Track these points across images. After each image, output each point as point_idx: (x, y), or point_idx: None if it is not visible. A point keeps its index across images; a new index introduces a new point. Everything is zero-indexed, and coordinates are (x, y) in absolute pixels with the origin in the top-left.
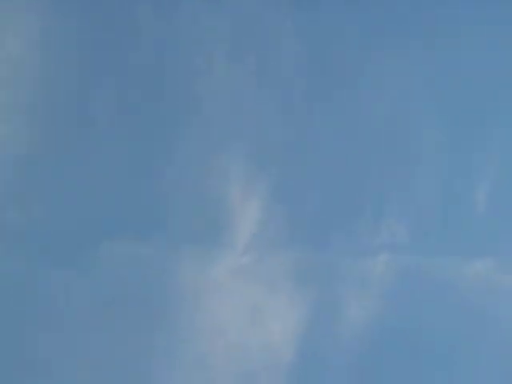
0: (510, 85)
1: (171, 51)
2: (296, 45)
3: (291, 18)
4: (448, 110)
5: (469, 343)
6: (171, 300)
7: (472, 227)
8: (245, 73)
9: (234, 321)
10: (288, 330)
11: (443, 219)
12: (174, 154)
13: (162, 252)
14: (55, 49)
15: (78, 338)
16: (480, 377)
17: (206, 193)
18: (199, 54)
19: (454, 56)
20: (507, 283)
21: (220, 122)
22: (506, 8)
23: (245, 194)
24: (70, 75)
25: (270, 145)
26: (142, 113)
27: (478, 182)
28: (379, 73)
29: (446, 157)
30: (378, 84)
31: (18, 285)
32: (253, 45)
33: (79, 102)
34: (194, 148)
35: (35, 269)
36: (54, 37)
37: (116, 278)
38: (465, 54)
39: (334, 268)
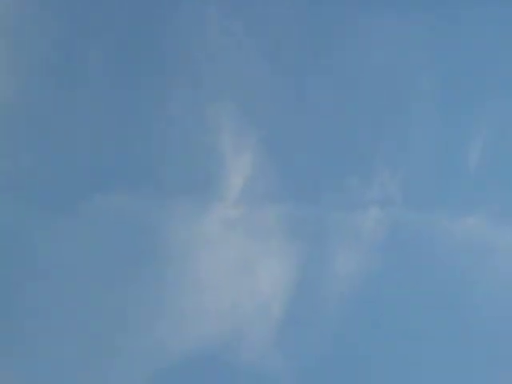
0: (508, 43)
1: (166, 7)
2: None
3: None
4: (443, 64)
5: (459, 298)
6: (161, 252)
7: (464, 182)
8: (237, 29)
9: (223, 274)
10: (278, 284)
11: (435, 174)
12: (166, 106)
13: (152, 204)
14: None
15: (67, 287)
16: (470, 330)
17: (197, 146)
18: (191, 7)
19: (452, 12)
20: (498, 238)
21: (212, 75)
22: None
23: (236, 148)
24: (62, 26)
25: (262, 99)
26: (135, 65)
27: (470, 137)
28: (373, 29)
29: (438, 112)
30: (372, 40)
31: (7, 234)
32: (245, 3)
33: (72, 52)
34: (186, 101)
35: (24, 219)
36: None
37: (106, 229)
38: (463, 11)
39: (325, 222)
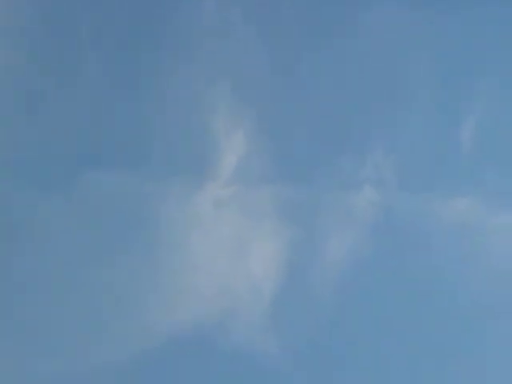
0: (500, 32)
1: None
2: None
3: None
4: (438, 51)
5: (452, 280)
6: (153, 231)
7: (457, 165)
8: (234, 12)
9: (215, 254)
10: (270, 265)
11: (428, 157)
12: (160, 86)
13: (147, 182)
14: None
15: (57, 264)
16: (462, 311)
17: (192, 126)
18: None
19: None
20: (491, 220)
21: (207, 56)
22: None
23: (231, 128)
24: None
25: (257, 80)
26: (132, 46)
27: (464, 120)
28: (369, 16)
29: (433, 95)
30: (369, 25)
31: (1, 209)
32: None
33: (73, 36)
34: (181, 82)
35: (20, 194)
36: None
37: (99, 207)
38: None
39: (318, 203)
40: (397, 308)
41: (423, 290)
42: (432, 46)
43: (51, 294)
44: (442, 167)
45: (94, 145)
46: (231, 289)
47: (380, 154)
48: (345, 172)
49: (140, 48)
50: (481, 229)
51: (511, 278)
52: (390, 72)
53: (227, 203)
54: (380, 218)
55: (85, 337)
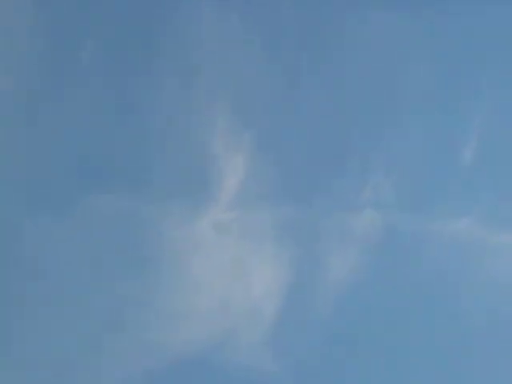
0: (500, 38)
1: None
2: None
3: None
4: (437, 64)
5: (452, 300)
6: (155, 253)
7: (458, 185)
8: (232, 25)
9: (217, 276)
10: (270, 286)
11: (429, 176)
12: (160, 106)
13: (146, 205)
14: None
15: (59, 287)
16: (464, 332)
17: (191, 147)
18: (187, 5)
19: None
20: (492, 240)
21: (207, 73)
22: None
23: (230, 149)
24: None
25: (257, 99)
26: (129, 62)
27: (464, 139)
28: (367, 27)
29: (432, 113)
30: (368, 37)
31: (1, 233)
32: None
33: (69, 48)
34: (179, 100)
35: (19, 216)
36: None
37: (98, 229)
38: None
39: (319, 224)
40: (399, 328)
41: (425, 310)
42: (433, 60)
43: (49, 316)
44: (442, 187)
45: (92, 167)
46: (232, 310)
47: (380, 175)
48: (345, 193)
49: (137, 66)
50: (482, 248)
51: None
52: (390, 91)
53: (227, 226)
54: (381, 239)
55: (84, 359)
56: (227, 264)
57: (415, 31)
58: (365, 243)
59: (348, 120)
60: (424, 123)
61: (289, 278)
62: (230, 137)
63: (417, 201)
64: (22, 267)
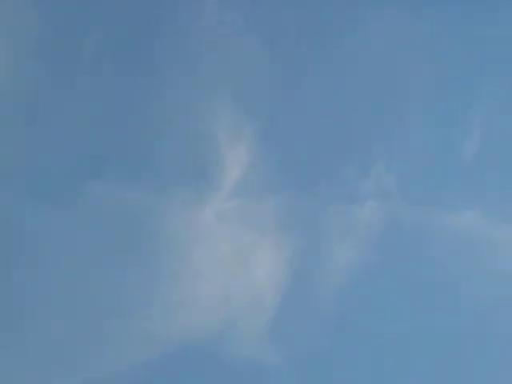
0: (502, 37)
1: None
2: None
3: None
4: (441, 59)
5: (455, 292)
6: (157, 241)
7: (460, 177)
8: (236, 19)
9: (218, 265)
10: (273, 276)
11: (431, 168)
12: (163, 96)
13: (149, 193)
14: None
15: (61, 273)
16: (465, 324)
17: (194, 136)
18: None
19: (444, 11)
20: (494, 232)
21: (210, 65)
22: None
23: (233, 139)
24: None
25: (259, 89)
26: (133, 54)
27: (467, 132)
28: (372, 22)
29: (435, 106)
30: (371, 33)
31: (3, 220)
32: None
33: (72, 44)
34: (183, 91)
35: (20, 205)
36: None
37: (102, 217)
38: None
39: (321, 214)
40: (400, 320)
41: (427, 302)
42: (435, 55)
43: (51, 305)
44: (445, 179)
45: (95, 156)
46: (233, 300)
47: (383, 166)
48: (348, 184)
49: (140, 59)
50: (484, 241)
51: None
52: (393, 83)
53: (230, 215)
54: (382, 230)
55: (84, 348)
56: (229, 253)
57: (417, 28)
58: (367, 234)
59: (351, 112)
60: (428, 116)
61: (291, 267)
62: (232, 126)
63: (419, 193)
64: (23, 256)
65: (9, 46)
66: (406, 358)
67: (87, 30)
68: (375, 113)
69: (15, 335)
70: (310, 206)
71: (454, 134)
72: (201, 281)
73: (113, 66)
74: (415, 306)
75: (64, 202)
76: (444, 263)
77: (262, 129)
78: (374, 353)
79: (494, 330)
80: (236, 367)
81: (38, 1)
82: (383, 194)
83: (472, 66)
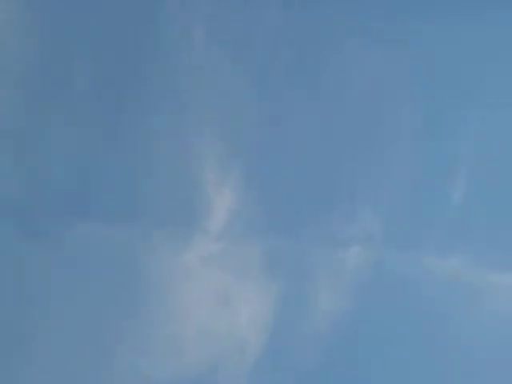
0: (487, 74)
1: (149, 27)
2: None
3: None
4: (426, 97)
5: (442, 338)
6: (142, 283)
7: (447, 222)
8: (223, 56)
9: (204, 307)
10: (257, 319)
11: (418, 213)
12: (150, 135)
13: (134, 235)
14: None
15: (43, 319)
16: (452, 370)
17: (180, 178)
18: (177, 32)
19: (431, 44)
20: (481, 278)
21: (197, 104)
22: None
23: (219, 181)
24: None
25: (246, 130)
26: (119, 89)
27: (453, 175)
28: (357, 59)
29: (421, 148)
30: (355, 71)
31: None
32: (231, 24)
33: (56, 74)
34: (169, 130)
35: (4, 245)
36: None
37: (87, 259)
38: (441, 43)
39: (307, 258)
40: (386, 365)
41: (412, 347)
42: (422, 93)
43: (31, 344)
44: (432, 225)
45: (80, 196)
46: (216, 343)
47: (368, 211)
48: (333, 228)
49: (126, 94)
50: (471, 287)
51: (502, 335)
52: (381, 124)
53: (215, 257)
54: (369, 275)
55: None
56: (214, 296)
57: (402, 66)
58: (352, 279)
59: (338, 154)
60: (413, 161)
61: (274, 311)
62: (218, 169)
63: (405, 238)
64: (5, 294)
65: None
66: None
67: (73, 67)
68: (362, 155)
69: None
70: (294, 249)
71: (440, 179)
72: (186, 323)
73: (99, 104)
74: (401, 351)
75: (49, 242)
76: (429, 308)
77: (248, 171)
78: None
79: (484, 376)
80: None
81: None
82: (369, 239)
83: (458, 106)
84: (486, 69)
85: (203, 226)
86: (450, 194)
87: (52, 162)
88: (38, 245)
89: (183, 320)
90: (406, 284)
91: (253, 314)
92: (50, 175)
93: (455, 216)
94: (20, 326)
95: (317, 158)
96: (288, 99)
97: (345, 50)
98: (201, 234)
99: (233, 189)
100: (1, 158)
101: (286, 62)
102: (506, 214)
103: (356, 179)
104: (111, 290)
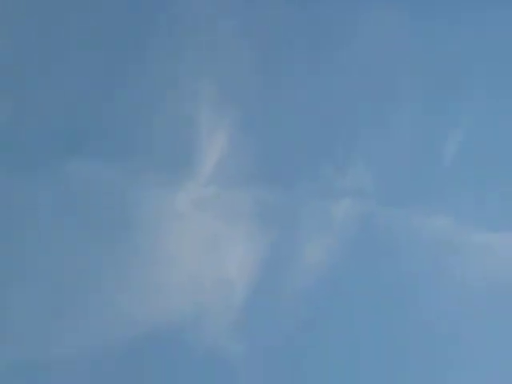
0: (492, 39)
1: None
2: None
3: None
4: (426, 62)
5: (423, 295)
6: (130, 225)
7: (438, 180)
8: (224, 10)
9: (191, 252)
10: (244, 266)
11: (410, 170)
12: (146, 78)
13: (124, 175)
14: None
15: (33, 253)
16: (435, 327)
17: (174, 121)
18: None
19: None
20: (468, 238)
21: (193, 50)
22: None
23: (214, 126)
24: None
25: (243, 79)
26: (116, 32)
27: (447, 135)
28: (362, 24)
29: (417, 108)
30: (358, 34)
31: None
32: None
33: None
34: (164, 74)
35: None
36: None
37: (76, 197)
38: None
39: (297, 209)
40: (368, 317)
41: (395, 302)
42: (422, 57)
43: (24, 282)
44: (423, 184)
45: (75, 135)
46: (203, 287)
47: (361, 166)
48: (326, 180)
49: (126, 39)
50: (457, 245)
51: (482, 296)
52: (380, 83)
53: (205, 202)
54: (357, 229)
55: (56, 325)
56: (202, 240)
57: (405, 30)
58: (342, 231)
59: (335, 109)
60: (410, 120)
61: (262, 258)
62: (213, 114)
63: (396, 193)
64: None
65: None
66: (372, 357)
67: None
68: (359, 112)
69: None
70: (286, 199)
71: (434, 138)
72: (172, 266)
73: (96, 46)
74: (384, 305)
75: (40, 179)
76: (416, 265)
77: (243, 118)
78: (342, 350)
79: (467, 336)
80: (204, 354)
81: None
82: (360, 193)
83: (459, 69)
84: (492, 33)
85: (195, 169)
86: (444, 154)
87: (46, 101)
88: (27, 179)
89: (170, 264)
90: (393, 240)
91: (240, 261)
92: (44, 113)
93: (447, 176)
94: (6, 261)
95: (314, 110)
96: (287, 54)
97: (348, 10)
98: (192, 178)
99: (227, 134)
100: None
101: (287, 19)
102: (496, 178)
103: (352, 134)
104: (99, 230)
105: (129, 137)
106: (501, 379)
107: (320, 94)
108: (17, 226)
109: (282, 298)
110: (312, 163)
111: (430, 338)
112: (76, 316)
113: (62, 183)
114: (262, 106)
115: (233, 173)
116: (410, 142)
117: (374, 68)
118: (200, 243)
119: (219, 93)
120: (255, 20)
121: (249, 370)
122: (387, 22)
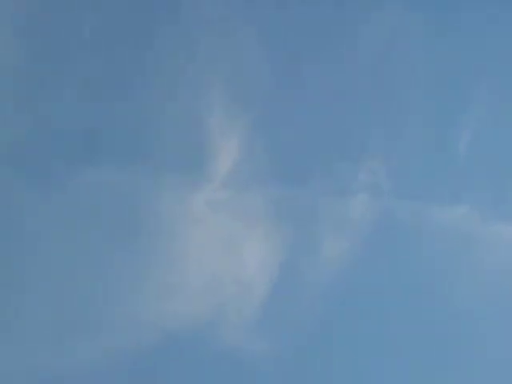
0: (503, 35)
1: None
2: None
3: None
4: (438, 56)
5: (443, 287)
6: (147, 227)
7: (453, 173)
8: (236, 13)
9: (209, 254)
10: (262, 266)
11: (425, 163)
12: (159, 85)
13: (142, 179)
14: None
15: (50, 258)
16: (453, 320)
17: (189, 124)
18: None
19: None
20: (485, 229)
21: (207, 57)
22: None
23: (228, 128)
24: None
25: (255, 80)
26: (129, 37)
27: (461, 128)
28: (372, 17)
29: (431, 102)
30: (369, 28)
31: None
32: None
33: (66, 19)
34: (179, 77)
35: (14, 189)
36: None
37: (94, 202)
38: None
39: (313, 207)
40: (389, 312)
41: (416, 295)
42: (434, 52)
43: (38, 288)
44: (438, 175)
45: (90, 140)
46: (222, 288)
47: (377, 161)
48: (341, 177)
49: (138, 46)
50: (474, 237)
51: (503, 286)
52: (391, 81)
53: (221, 203)
54: (374, 224)
55: (72, 333)
56: (219, 241)
57: (415, 28)
58: (358, 227)
59: (348, 106)
60: (424, 114)
61: (280, 258)
62: (226, 116)
63: (412, 187)
64: (11, 237)
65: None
66: (394, 353)
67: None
68: (372, 109)
69: (2, 319)
70: (301, 197)
71: (448, 132)
72: (190, 267)
73: (109, 53)
74: (405, 299)
75: (58, 185)
76: (433, 258)
77: (255, 119)
78: (363, 345)
79: (483, 327)
80: (224, 354)
81: None
82: (376, 189)
83: (470, 65)
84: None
85: (211, 172)
86: (457, 146)
87: (61, 105)
88: (45, 188)
89: (188, 266)
90: (410, 233)
91: (258, 261)
92: (58, 119)
93: (463, 168)
94: (20, 270)
95: (327, 108)
96: (299, 53)
97: (358, 9)
98: (208, 181)
99: (241, 135)
100: (9, 102)
101: (298, 18)
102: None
103: (366, 129)
104: (117, 235)
105: (142, 142)
106: None
107: (332, 93)
108: (33, 230)
109: (302, 297)
110: (327, 160)
111: (452, 330)
112: (93, 320)
113: (76, 190)
114: (275, 106)
115: (248, 173)
116: (424, 136)
117: (388, 67)
118: (218, 245)
119: (232, 94)
120: (267, 21)
121: (270, 370)
122: (400, 22)
